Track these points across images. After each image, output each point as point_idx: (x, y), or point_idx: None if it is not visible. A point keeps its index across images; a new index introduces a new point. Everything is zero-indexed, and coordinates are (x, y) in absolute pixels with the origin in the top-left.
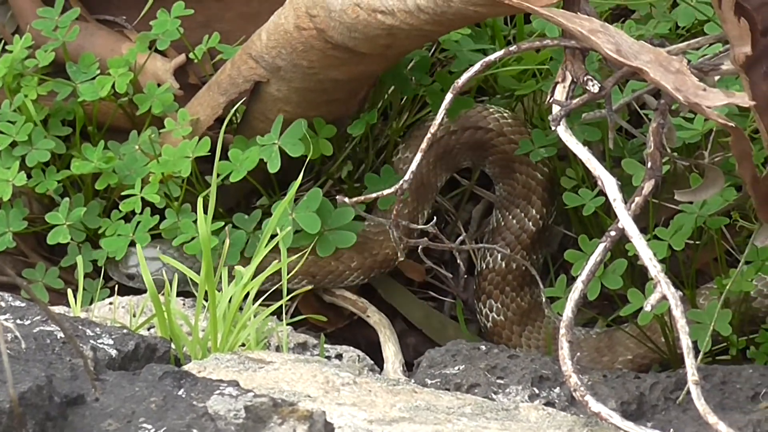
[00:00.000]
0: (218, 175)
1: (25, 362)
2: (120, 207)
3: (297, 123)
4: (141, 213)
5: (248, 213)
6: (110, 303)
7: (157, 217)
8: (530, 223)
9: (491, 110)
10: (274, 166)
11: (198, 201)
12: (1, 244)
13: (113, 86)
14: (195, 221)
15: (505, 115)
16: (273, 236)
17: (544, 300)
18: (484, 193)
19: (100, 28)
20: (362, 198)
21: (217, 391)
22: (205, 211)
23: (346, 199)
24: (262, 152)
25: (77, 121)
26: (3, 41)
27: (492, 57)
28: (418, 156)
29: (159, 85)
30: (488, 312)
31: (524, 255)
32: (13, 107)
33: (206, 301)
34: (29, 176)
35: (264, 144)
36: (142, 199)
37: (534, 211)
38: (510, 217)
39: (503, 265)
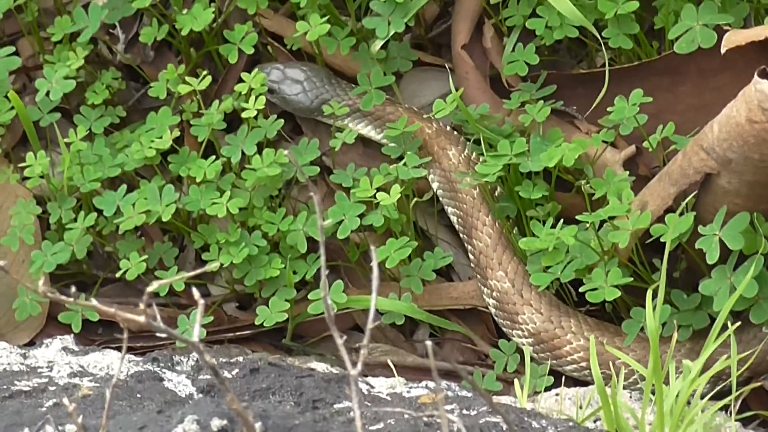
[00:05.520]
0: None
1: None
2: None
3: (740, 216)
4: None
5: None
6: (557, 394)
7: None
8: None
9: None
10: (712, 258)
11: (647, 293)
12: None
13: (561, 160)
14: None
15: None
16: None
17: None
18: None
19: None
20: None
21: None
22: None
23: None
24: (701, 242)
25: None
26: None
27: None
28: None
29: None
30: None
31: None
32: None
33: (653, 394)
34: None
35: (705, 234)
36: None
37: None
38: None
39: None
